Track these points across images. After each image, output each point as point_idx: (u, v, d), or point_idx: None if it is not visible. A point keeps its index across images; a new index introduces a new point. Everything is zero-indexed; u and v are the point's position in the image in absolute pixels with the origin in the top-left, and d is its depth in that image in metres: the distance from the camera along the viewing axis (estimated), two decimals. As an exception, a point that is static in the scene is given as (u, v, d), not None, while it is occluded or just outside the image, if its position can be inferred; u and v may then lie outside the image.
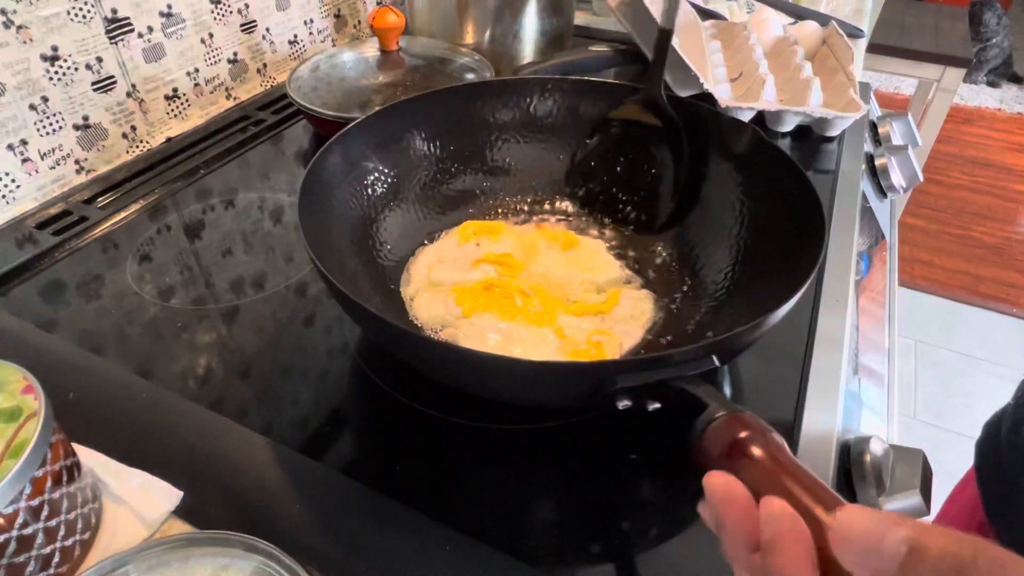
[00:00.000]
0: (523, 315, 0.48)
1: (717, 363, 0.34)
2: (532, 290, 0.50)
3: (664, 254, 0.55)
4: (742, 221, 0.52)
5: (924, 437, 1.58)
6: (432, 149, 0.58)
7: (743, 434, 0.28)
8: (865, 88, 0.86)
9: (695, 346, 0.33)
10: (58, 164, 0.65)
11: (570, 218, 0.60)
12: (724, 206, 0.53)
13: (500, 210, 0.60)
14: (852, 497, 0.43)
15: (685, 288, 0.52)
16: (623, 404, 0.33)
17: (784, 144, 0.76)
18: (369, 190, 0.54)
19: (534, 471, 0.41)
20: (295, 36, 0.90)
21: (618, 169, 0.59)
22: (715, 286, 0.51)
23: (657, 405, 0.34)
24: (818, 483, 0.24)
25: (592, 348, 0.47)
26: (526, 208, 0.60)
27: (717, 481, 0.25)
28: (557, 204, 0.61)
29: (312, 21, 0.92)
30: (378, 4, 1.03)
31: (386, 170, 0.56)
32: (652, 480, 0.40)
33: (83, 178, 0.68)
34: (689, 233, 0.55)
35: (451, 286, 0.50)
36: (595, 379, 0.34)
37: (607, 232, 0.58)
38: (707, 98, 0.74)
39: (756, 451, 0.27)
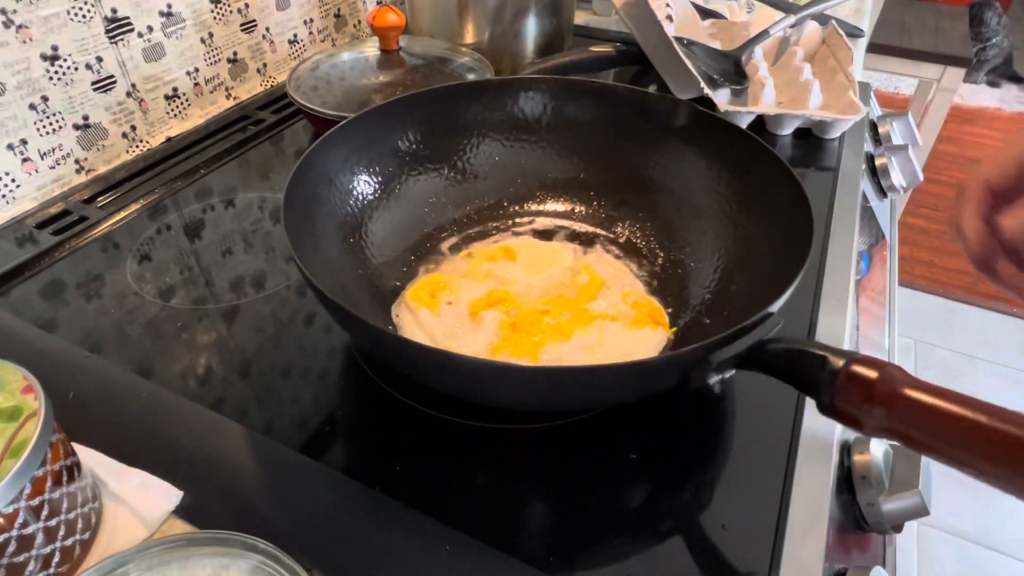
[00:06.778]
0: (569, 327, 0.47)
1: (779, 319, 0.35)
2: (546, 304, 0.50)
3: (628, 231, 0.58)
4: (722, 206, 0.53)
5: (924, 437, 1.58)
6: (419, 149, 0.58)
7: (874, 375, 0.27)
8: (865, 88, 0.86)
9: (764, 313, 0.36)
10: (58, 164, 0.65)
11: (561, 217, 0.60)
12: (703, 193, 0.55)
13: (492, 210, 0.60)
14: (852, 497, 0.43)
15: (663, 260, 0.54)
16: (714, 379, 0.35)
17: (784, 143, 0.76)
18: (357, 192, 0.54)
19: (534, 471, 0.41)
20: (295, 36, 0.90)
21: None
22: (711, 257, 0.52)
23: (732, 372, 0.36)
24: (982, 402, 0.24)
25: (644, 307, 0.49)
26: (519, 209, 0.60)
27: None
28: (549, 204, 0.61)
29: (312, 21, 0.92)
30: (378, 3, 1.02)
31: (373, 173, 0.55)
32: (651, 480, 0.40)
33: (83, 178, 0.68)
34: (673, 219, 0.56)
35: (486, 349, 0.47)
36: (690, 364, 0.35)
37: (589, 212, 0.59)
38: (706, 102, 0.73)
39: (907, 392, 0.26)
